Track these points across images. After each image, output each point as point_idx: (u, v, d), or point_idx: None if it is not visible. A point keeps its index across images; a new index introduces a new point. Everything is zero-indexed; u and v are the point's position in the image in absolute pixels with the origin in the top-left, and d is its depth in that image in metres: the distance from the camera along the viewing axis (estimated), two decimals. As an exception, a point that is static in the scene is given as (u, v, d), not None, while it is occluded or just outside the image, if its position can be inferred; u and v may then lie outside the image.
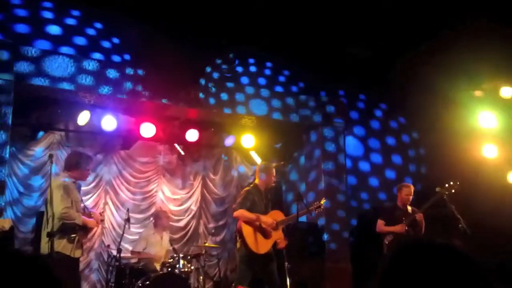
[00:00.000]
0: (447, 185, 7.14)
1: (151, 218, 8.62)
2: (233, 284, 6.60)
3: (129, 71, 7.84)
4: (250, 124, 9.04)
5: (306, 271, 8.03)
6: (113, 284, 7.12)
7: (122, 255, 6.98)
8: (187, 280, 7.18)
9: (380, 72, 9.16)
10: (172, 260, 7.29)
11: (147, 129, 8.30)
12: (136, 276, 7.03)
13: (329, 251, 8.72)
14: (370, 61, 9.24)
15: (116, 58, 8.36)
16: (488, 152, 8.86)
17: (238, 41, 8.75)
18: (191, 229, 9.54)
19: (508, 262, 6.79)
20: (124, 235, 7.29)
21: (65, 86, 7.37)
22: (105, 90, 7.63)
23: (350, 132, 9.74)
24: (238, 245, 6.58)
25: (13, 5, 7.85)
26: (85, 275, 8.37)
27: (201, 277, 7.68)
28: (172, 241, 8.32)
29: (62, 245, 5.54)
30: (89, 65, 7.59)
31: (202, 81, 8.35)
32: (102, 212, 6.91)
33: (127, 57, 8.48)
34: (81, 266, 7.47)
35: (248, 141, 9.07)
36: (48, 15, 8.10)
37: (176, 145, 9.38)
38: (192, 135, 8.67)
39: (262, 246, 6.46)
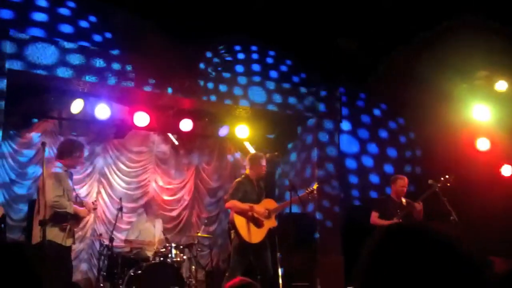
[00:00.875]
0: (442, 178, 7.15)
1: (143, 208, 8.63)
2: (226, 274, 6.62)
3: (123, 59, 7.79)
4: (245, 115, 9.03)
5: (297, 261, 8.06)
6: (104, 273, 7.13)
7: (114, 244, 6.98)
8: (179, 270, 7.19)
9: (373, 67, 9.14)
10: (164, 249, 7.30)
11: (141, 118, 8.26)
12: (128, 265, 7.04)
13: (320, 242, 8.75)
14: (363, 56, 9.21)
15: (109, 47, 8.28)
16: (482, 145, 8.89)
17: (234, 30, 8.68)
18: (184, 219, 9.53)
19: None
20: (117, 224, 7.29)
21: (58, 73, 7.32)
22: (98, 78, 7.58)
23: (344, 124, 9.72)
24: (232, 235, 6.62)
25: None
26: (77, 264, 8.35)
27: (193, 267, 7.70)
28: (164, 231, 8.32)
29: (53, 234, 5.52)
30: (82, 53, 7.54)
31: (202, 65, 8.32)
32: (95, 201, 6.89)
33: (120, 46, 8.40)
34: (73, 254, 7.46)
35: (242, 131, 9.06)
36: (42, 3, 8.01)
37: (169, 134, 9.36)
38: (186, 125, 8.64)
39: (255, 235, 6.50)
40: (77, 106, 7.84)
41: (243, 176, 6.88)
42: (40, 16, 7.87)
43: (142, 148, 9.39)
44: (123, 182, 9.13)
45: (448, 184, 7.10)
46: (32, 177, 8.24)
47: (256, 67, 9.42)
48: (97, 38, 8.27)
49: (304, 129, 9.48)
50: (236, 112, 8.94)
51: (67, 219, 5.66)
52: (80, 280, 8.36)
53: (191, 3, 8.05)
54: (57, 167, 5.78)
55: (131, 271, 6.83)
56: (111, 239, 6.87)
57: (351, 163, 9.80)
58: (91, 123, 8.53)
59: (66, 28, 8.03)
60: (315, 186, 7.09)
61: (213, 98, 8.44)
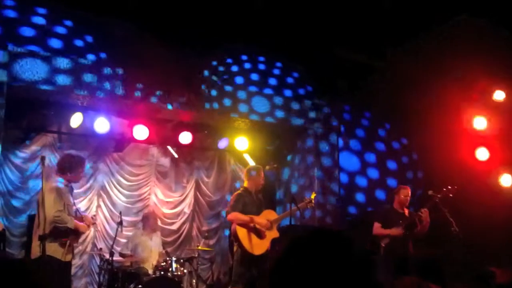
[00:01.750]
0: (444, 189, 7.13)
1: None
2: (229, 287, 6.60)
3: (122, 73, 7.80)
4: (244, 127, 9.03)
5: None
6: (105, 288, 7.09)
7: (114, 258, 6.95)
8: (180, 284, 7.16)
9: (369, 76, 9.17)
10: (165, 263, 7.27)
11: (140, 132, 8.26)
12: (128, 279, 7.00)
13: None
14: (360, 64, 9.24)
15: (108, 61, 8.30)
16: (481, 155, 8.89)
17: (233, 40, 8.72)
18: (184, 232, 9.51)
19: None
20: (117, 238, 7.26)
21: (56, 88, 7.33)
22: (98, 92, 7.59)
23: (343, 136, 9.72)
24: (235, 248, 6.61)
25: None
26: (77, 279, 8.31)
27: (194, 281, 7.67)
28: (165, 244, 8.29)
29: (53, 249, 5.50)
30: (82, 66, 7.55)
31: (206, 73, 8.35)
32: (94, 215, 6.88)
33: (119, 59, 8.42)
34: (74, 269, 7.44)
35: (242, 143, 9.06)
36: (41, 21, 8.05)
37: (169, 147, 9.36)
38: (185, 137, 8.65)
39: (257, 247, 6.50)
40: (76, 120, 7.84)
41: (242, 188, 6.90)
42: (30, 32, 7.90)
43: (141, 161, 9.39)
44: (123, 195, 9.11)
45: (451, 195, 7.07)
46: (31, 191, 8.22)
47: (255, 79, 9.46)
48: (96, 52, 8.30)
49: (303, 140, 9.47)
50: (235, 124, 8.95)
51: (67, 234, 5.65)
52: (80, 295, 8.33)
53: (188, 12, 8.09)
54: (58, 182, 5.78)
55: (132, 285, 6.80)
56: (112, 254, 6.84)
57: (350, 172, 9.79)
58: (91, 137, 8.54)
59: (65, 43, 8.07)
60: (312, 196, 7.13)
61: (212, 110, 8.44)
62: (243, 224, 6.51)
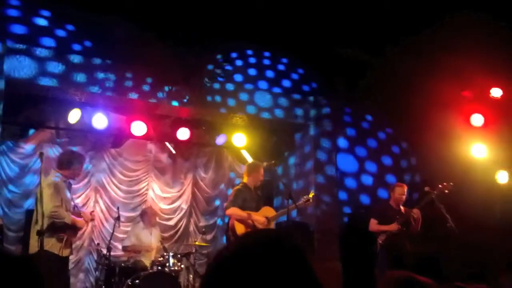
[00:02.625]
0: (440, 186, 7.17)
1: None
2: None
3: (120, 69, 7.80)
4: (242, 123, 9.04)
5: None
6: (102, 283, 7.11)
7: (112, 253, 6.97)
8: (177, 279, 7.18)
9: (367, 73, 9.17)
10: (162, 258, 7.29)
11: (138, 127, 8.27)
12: (126, 274, 7.02)
13: (318, 249, 8.73)
14: (359, 62, 9.24)
15: (106, 57, 8.29)
16: (477, 152, 8.92)
17: (231, 38, 8.71)
18: (182, 227, 9.53)
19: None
20: (114, 233, 7.28)
21: (54, 83, 7.34)
22: (95, 88, 7.60)
23: (342, 133, 9.72)
24: None
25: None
26: (74, 274, 8.33)
27: (191, 276, 7.69)
28: (162, 240, 8.31)
29: (50, 244, 5.52)
30: (80, 62, 7.56)
31: (209, 67, 8.35)
32: (93, 211, 6.89)
33: (117, 55, 8.41)
34: (71, 264, 7.45)
35: (240, 140, 9.06)
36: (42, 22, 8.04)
37: (167, 143, 9.37)
38: (183, 133, 8.66)
39: None
40: (74, 115, 7.85)
41: (241, 184, 6.92)
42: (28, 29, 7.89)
43: (139, 157, 9.40)
44: (120, 191, 9.13)
45: (446, 191, 7.12)
46: (29, 187, 8.23)
47: (252, 76, 9.45)
48: (94, 48, 8.28)
49: (301, 137, 9.48)
50: (233, 120, 8.96)
51: (65, 230, 5.66)
52: (78, 290, 8.35)
53: (191, 11, 8.09)
54: (56, 177, 5.79)
55: (129, 280, 6.82)
56: (109, 249, 6.86)
57: (348, 170, 9.79)
58: (88, 132, 8.54)
59: (63, 39, 8.05)
60: (311, 195, 7.10)
61: (210, 107, 8.45)
62: (241, 220, 6.54)
